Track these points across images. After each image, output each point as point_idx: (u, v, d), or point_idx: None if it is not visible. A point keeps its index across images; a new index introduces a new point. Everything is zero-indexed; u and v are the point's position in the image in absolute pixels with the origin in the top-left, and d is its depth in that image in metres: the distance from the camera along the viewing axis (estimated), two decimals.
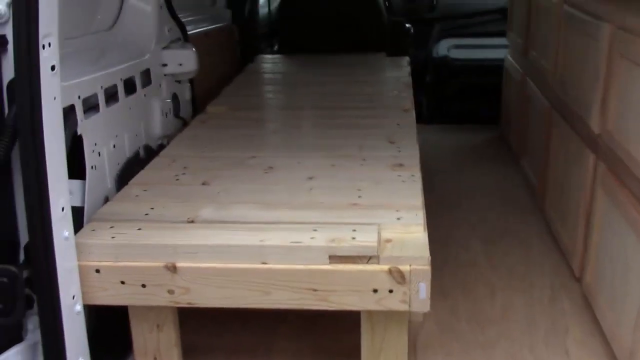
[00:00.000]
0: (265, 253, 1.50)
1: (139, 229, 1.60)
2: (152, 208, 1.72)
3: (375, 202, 1.72)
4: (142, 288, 1.54)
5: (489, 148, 3.61)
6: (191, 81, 2.75)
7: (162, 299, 1.55)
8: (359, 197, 1.76)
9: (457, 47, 4.31)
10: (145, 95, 2.27)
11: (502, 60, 3.70)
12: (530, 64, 2.97)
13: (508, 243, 2.48)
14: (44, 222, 1.36)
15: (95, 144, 1.89)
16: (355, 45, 3.84)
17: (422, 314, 2.01)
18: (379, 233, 1.54)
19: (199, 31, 3.09)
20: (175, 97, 2.60)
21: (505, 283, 2.20)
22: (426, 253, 1.48)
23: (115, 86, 2.04)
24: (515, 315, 2.01)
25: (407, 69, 3.33)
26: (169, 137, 2.41)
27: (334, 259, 1.49)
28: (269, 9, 4.18)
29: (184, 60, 2.48)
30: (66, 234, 1.45)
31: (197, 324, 1.97)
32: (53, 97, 1.38)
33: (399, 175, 1.90)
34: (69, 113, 1.76)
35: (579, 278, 2.13)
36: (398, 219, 1.62)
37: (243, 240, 1.53)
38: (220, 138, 2.31)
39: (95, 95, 1.90)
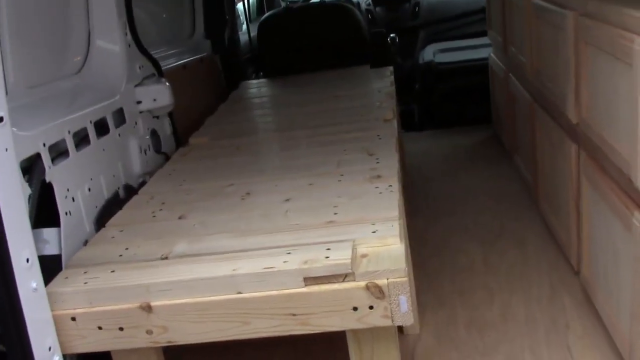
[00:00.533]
0: (238, 282, 1.47)
1: (112, 271, 1.57)
2: (127, 248, 1.69)
3: (350, 218, 1.68)
4: (120, 331, 1.51)
5: (483, 148, 3.57)
6: (170, 115, 2.75)
7: (141, 341, 1.52)
8: (335, 214, 1.72)
9: (443, 51, 4.28)
10: (119, 134, 2.26)
11: (487, 59, 3.66)
12: (511, 60, 2.93)
13: (505, 243, 2.43)
14: (5, 275, 1.33)
15: (68, 190, 1.87)
16: (338, 60, 3.83)
17: (418, 326, 1.99)
18: (353, 249, 1.50)
19: (176, 64, 3.10)
20: (154, 133, 2.59)
21: (503, 285, 2.15)
22: (402, 264, 1.43)
23: (85, 129, 2.03)
24: (514, 317, 1.96)
25: (390, 79, 3.30)
26: (150, 174, 2.40)
27: (309, 280, 1.45)
28: (249, 35, 4.19)
29: (158, 96, 2.47)
30: (34, 285, 1.42)
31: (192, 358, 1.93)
32: (4, 148, 1.37)
33: (376, 187, 1.86)
34: (35, 161, 1.75)
35: (577, 271, 2.08)
36: (373, 232, 1.58)
37: (215, 271, 1.49)
38: (200, 169, 2.28)
39: (63, 141, 1.90)
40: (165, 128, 2.69)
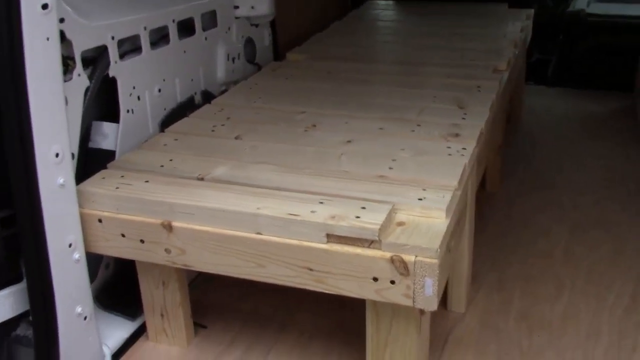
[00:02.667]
0: (260, 222, 1.37)
1: (146, 182, 1.53)
2: (171, 160, 1.64)
3: (404, 177, 1.51)
4: (141, 243, 1.48)
5: (613, 120, 3.14)
6: (273, 25, 2.63)
7: (159, 257, 1.48)
8: (390, 168, 1.55)
9: (598, 0, 3.77)
10: (207, 38, 2.18)
11: None
12: None
13: (599, 234, 2.14)
14: (27, 167, 1.31)
15: (134, 87, 1.83)
16: None
17: (464, 305, 1.81)
18: (390, 214, 1.34)
19: None
20: (249, 42, 2.49)
21: (578, 282, 1.90)
22: (436, 244, 1.26)
23: (165, 27, 1.96)
24: (576, 322, 1.72)
25: (524, 24, 2.95)
26: (236, 83, 2.32)
27: (332, 238, 1.32)
28: None
29: (256, 3, 2.35)
30: (61, 180, 1.40)
31: (221, 285, 1.90)
32: (45, 37, 1.31)
33: (448, 147, 1.65)
34: (101, 54, 1.71)
35: None
36: (420, 199, 1.40)
37: (239, 206, 1.40)
38: (281, 88, 2.17)
39: (138, 36, 1.84)
40: (264, 38, 2.58)
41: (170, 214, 1.44)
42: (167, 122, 1.96)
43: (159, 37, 1.98)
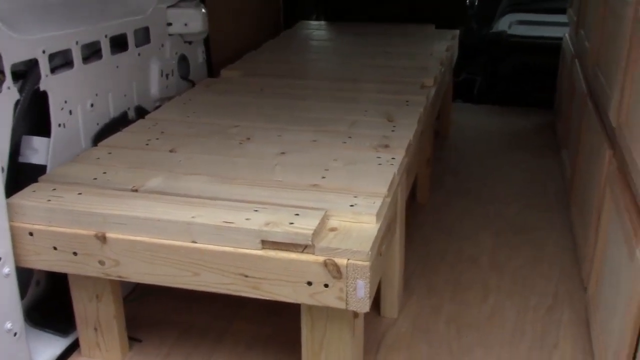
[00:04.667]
0: (194, 231, 1.39)
1: (79, 194, 1.52)
2: (105, 173, 1.64)
3: (336, 185, 1.56)
4: (73, 256, 1.47)
5: (534, 135, 3.32)
6: (206, 43, 2.66)
7: (93, 269, 1.47)
8: (323, 177, 1.60)
9: (521, 22, 3.98)
10: (140, 54, 2.19)
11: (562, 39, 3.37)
12: (579, 44, 2.66)
13: (521, 241, 2.25)
14: None
15: (66, 102, 1.82)
16: (405, 15, 3.61)
17: (397, 310, 1.87)
18: (322, 220, 1.39)
19: None
20: (183, 59, 2.51)
21: (504, 285, 1.99)
22: (367, 247, 1.31)
23: (98, 43, 1.97)
24: (502, 322, 1.81)
25: (449, 44, 3.08)
26: (170, 99, 2.33)
27: (267, 244, 1.36)
28: None
29: (190, 21, 2.38)
30: None
31: (157, 298, 1.90)
32: None
33: (378, 157, 1.72)
34: (31, 68, 1.70)
35: (586, 287, 1.89)
36: (352, 205, 1.45)
37: (173, 215, 1.41)
38: (215, 104, 2.19)
39: (70, 51, 1.84)
40: (197, 55, 2.61)
41: (103, 225, 1.44)
42: (100, 137, 1.95)
43: (92, 52, 1.98)
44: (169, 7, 2.34)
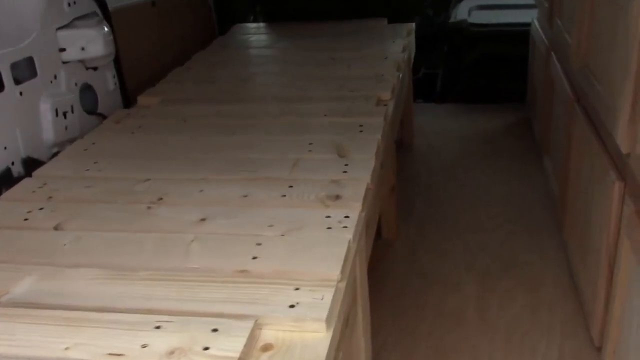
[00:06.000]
0: None
1: None
2: None
3: (271, 269, 1.15)
4: None
5: (509, 135, 2.95)
6: (118, 66, 2.21)
7: None
8: (253, 258, 1.19)
9: (482, 8, 3.60)
10: (22, 93, 1.74)
11: (529, 25, 3.00)
12: (555, 35, 2.29)
13: (512, 283, 1.88)
14: None
15: None
16: (354, 9, 3.21)
17: None
18: (251, 334, 0.98)
19: (142, 0, 2.53)
20: (87, 89, 2.06)
21: (497, 349, 1.61)
22: None
23: None
24: None
25: (405, 41, 2.69)
26: (72, 142, 1.89)
27: None
28: None
29: (88, 44, 1.93)
30: None
31: None
32: None
33: (328, 217, 1.32)
34: None
35: (599, 347, 1.53)
36: (292, 306, 1.05)
37: (39, 347, 0.99)
38: (123, 147, 1.76)
39: None
40: (106, 82, 2.16)
41: None
42: None
43: None
44: (59, 28, 1.89)
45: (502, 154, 2.74)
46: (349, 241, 1.23)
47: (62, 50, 1.90)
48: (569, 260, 1.90)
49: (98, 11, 2.09)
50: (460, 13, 3.55)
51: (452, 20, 3.54)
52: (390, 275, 1.94)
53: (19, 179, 1.66)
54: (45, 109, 1.82)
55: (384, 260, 1.99)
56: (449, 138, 2.97)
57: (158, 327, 1.01)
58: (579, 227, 1.78)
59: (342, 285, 1.13)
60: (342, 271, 1.14)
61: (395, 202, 2.16)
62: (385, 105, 1.98)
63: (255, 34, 3.12)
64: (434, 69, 3.68)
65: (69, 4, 1.94)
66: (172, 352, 0.95)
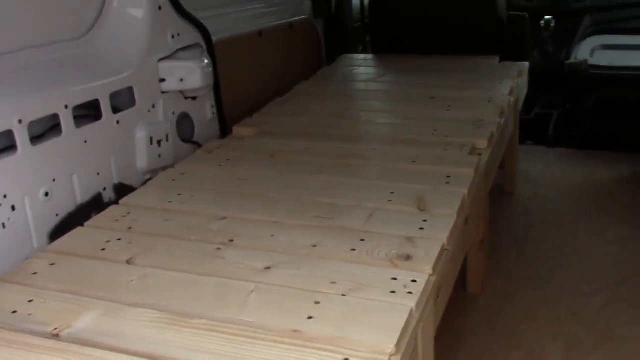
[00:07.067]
0: None
1: None
2: (30, 301, 1.25)
3: (323, 333, 1.10)
4: None
5: (627, 190, 2.72)
6: (217, 96, 2.26)
7: None
8: (309, 318, 1.15)
9: (605, 47, 3.37)
10: (120, 121, 1.81)
11: None
12: None
13: (603, 359, 1.70)
14: None
15: (5, 196, 1.46)
16: (462, 46, 3.11)
17: None
18: None
19: (248, 31, 2.57)
20: (185, 118, 2.12)
21: None
22: None
23: (55, 117, 1.60)
24: None
25: (513, 83, 2.56)
26: (165, 169, 1.94)
27: None
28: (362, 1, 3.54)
29: (186, 75, 1.98)
30: None
31: None
32: None
33: (394, 279, 1.25)
34: None
35: None
36: None
37: None
38: (208, 181, 1.79)
39: (10, 132, 1.47)
40: (205, 111, 2.21)
41: None
42: (60, 230, 1.58)
43: (49, 128, 1.62)
44: (161, 60, 1.96)
45: (614, 211, 2.52)
46: (412, 310, 1.16)
47: (162, 80, 1.97)
48: None
49: (202, 42, 2.15)
50: (582, 52, 3.34)
51: (572, 59, 3.34)
52: (468, 335, 1.83)
53: (108, 204, 1.73)
54: (141, 138, 1.88)
55: (465, 316, 1.88)
56: (557, 187, 2.79)
57: None
58: None
59: (396, 359, 1.06)
60: (398, 344, 1.07)
61: (485, 255, 2.04)
62: (480, 154, 1.89)
63: (361, 65, 3.10)
64: (549, 109, 3.48)
65: (173, 36, 2.01)
66: None
